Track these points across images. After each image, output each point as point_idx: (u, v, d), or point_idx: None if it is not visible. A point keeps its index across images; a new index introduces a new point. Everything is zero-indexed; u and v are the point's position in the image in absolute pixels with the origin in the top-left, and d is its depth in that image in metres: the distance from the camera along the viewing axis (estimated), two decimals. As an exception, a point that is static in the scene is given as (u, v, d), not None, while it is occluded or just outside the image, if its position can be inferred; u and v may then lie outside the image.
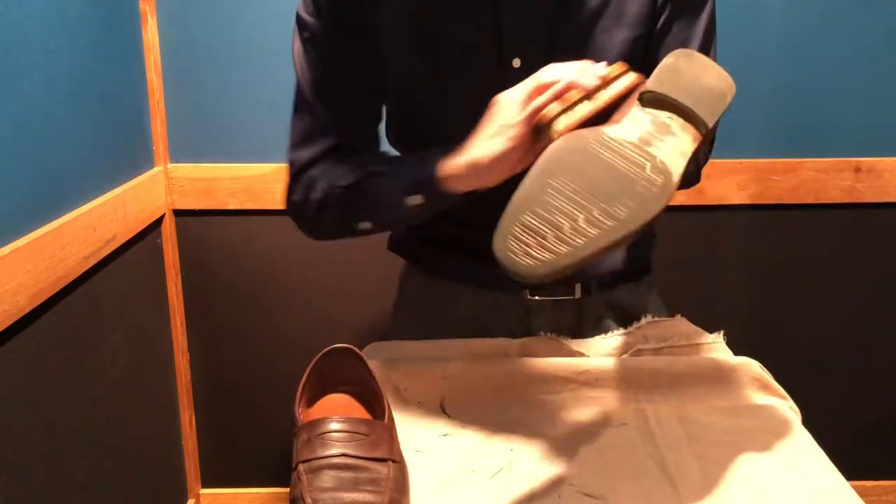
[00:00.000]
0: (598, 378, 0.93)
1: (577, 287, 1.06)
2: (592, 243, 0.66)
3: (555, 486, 0.76)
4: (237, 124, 1.69)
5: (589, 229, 0.66)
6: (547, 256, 0.66)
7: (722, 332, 1.06)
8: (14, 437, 1.12)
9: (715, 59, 1.00)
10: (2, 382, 1.10)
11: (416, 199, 0.88)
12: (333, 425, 0.72)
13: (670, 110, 0.75)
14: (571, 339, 1.04)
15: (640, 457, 0.80)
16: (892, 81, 1.69)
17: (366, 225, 0.95)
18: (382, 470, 0.71)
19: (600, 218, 0.67)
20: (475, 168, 0.82)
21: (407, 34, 0.94)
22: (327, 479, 0.69)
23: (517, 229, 0.67)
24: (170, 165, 1.70)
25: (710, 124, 0.74)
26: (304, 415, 0.79)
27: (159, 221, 1.69)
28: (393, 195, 0.90)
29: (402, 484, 0.72)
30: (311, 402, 0.82)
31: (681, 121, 0.74)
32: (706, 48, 1.00)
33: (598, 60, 0.94)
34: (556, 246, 0.66)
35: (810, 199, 1.74)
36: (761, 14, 1.65)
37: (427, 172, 0.86)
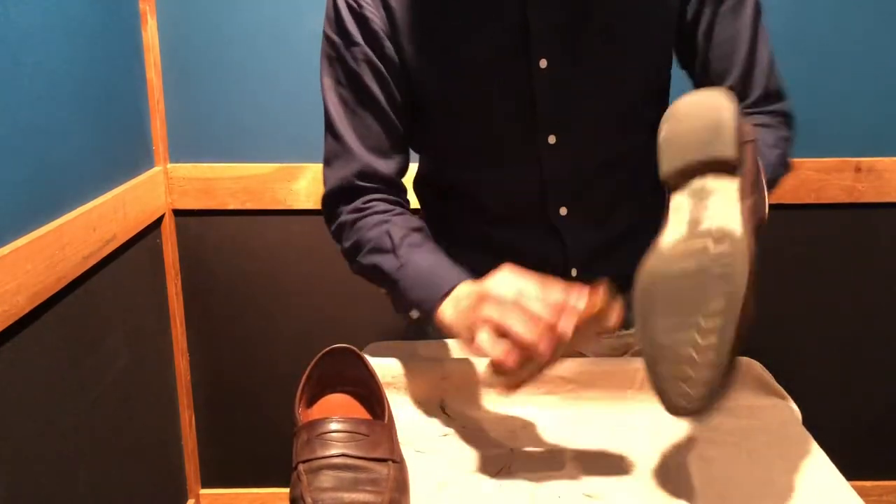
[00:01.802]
0: (598, 378, 0.93)
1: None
2: (721, 348, 0.66)
3: (555, 486, 0.76)
4: (237, 124, 1.69)
5: (709, 340, 0.66)
6: (701, 389, 0.66)
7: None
8: (14, 437, 1.12)
9: (767, 39, 0.98)
10: (2, 382, 1.10)
11: (416, 314, 0.90)
12: (333, 425, 0.72)
13: (693, 174, 0.71)
14: None
15: (641, 457, 0.80)
16: (892, 81, 1.68)
17: (384, 290, 0.97)
18: (382, 470, 0.71)
19: (709, 325, 0.66)
20: (451, 334, 0.83)
21: (432, 37, 0.94)
22: (327, 479, 0.69)
23: (668, 386, 0.67)
24: (169, 165, 1.70)
25: (731, 153, 0.69)
26: (304, 415, 0.79)
27: (159, 221, 1.69)
28: (400, 304, 0.92)
29: (403, 484, 0.72)
30: (311, 403, 0.82)
31: (709, 174, 0.70)
32: (756, 31, 0.97)
33: (625, 61, 0.95)
34: (700, 373, 0.66)
35: (810, 199, 1.74)
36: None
37: (430, 304, 0.85)
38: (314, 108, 1.68)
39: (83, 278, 1.32)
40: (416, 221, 0.96)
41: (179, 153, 1.70)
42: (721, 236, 0.67)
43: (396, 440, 0.76)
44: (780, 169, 0.96)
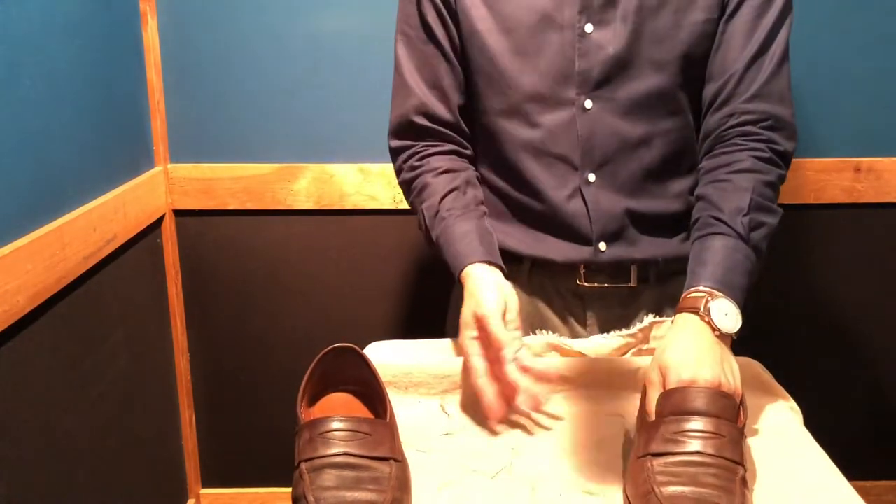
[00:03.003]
0: (598, 377, 0.93)
1: (633, 275, 1.06)
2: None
3: (556, 484, 0.76)
4: (237, 124, 1.69)
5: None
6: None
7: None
8: (14, 437, 1.12)
9: (787, 37, 0.97)
10: (2, 382, 1.10)
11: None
12: (336, 424, 0.72)
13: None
14: (586, 335, 1.07)
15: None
16: (892, 81, 1.69)
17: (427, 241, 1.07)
18: (384, 469, 0.71)
19: None
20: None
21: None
22: (329, 477, 0.69)
23: None
24: (170, 165, 1.70)
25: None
26: (306, 414, 0.79)
27: (159, 221, 1.69)
28: (439, 258, 1.03)
29: (404, 483, 0.72)
30: (313, 402, 0.82)
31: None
32: (778, 24, 0.97)
33: (669, 38, 0.98)
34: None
35: (810, 199, 1.74)
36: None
37: (458, 266, 0.98)
38: (315, 109, 1.69)
39: (84, 278, 1.32)
40: (455, 180, 1.04)
41: (180, 153, 1.70)
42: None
43: (398, 439, 0.76)
44: (764, 224, 0.97)
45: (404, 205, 1.71)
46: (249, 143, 1.70)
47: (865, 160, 1.71)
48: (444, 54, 1.04)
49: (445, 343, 1.05)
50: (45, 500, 1.20)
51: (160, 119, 1.67)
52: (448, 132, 1.07)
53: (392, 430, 0.75)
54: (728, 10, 0.97)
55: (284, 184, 1.71)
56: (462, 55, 1.04)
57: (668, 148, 1.02)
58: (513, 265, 1.06)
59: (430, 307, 1.79)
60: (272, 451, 1.87)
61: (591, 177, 1.02)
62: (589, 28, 0.97)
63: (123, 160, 1.52)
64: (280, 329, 1.81)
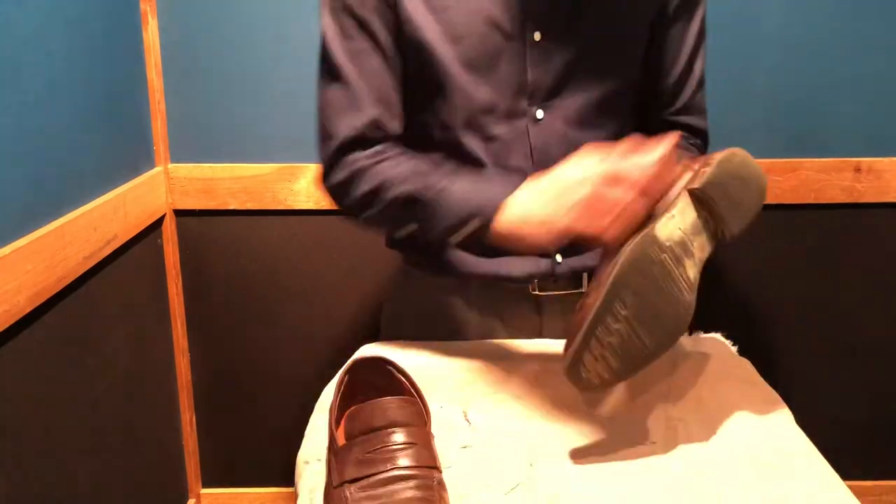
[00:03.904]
0: (624, 389, 0.91)
1: (584, 278, 1.06)
2: (638, 362, 0.76)
3: (573, 502, 0.74)
4: (238, 124, 1.69)
5: (637, 350, 0.76)
6: (607, 376, 0.76)
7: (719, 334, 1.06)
8: (14, 437, 1.12)
9: (704, 59, 1.05)
10: (2, 382, 1.10)
11: (473, 225, 0.89)
12: (397, 437, 0.71)
13: (711, 216, 0.80)
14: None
15: (654, 469, 0.78)
16: (892, 81, 1.68)
17: (410, 229, 0.96)
18: (436, 476, 0.70)
19: (645, 340, 0.76)
20: (519, 235, 0.86)
21: (427, 3, 0.95)
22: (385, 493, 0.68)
23: (587, 358, 0.76)
24: (170, 165, 1.70)
25: (738, 234, 0.81)
26: (339, 431, 0.78)
27: (160, 221, 1.69)
28: (449, 225, 0.90)
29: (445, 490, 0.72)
30: (340, 415, 0.80)
31: (713, 227, 0.80)
32: (698, 47, 1.04)
33: (614, 45, 0.98)
34: (614, 364, 0.76)
35: (810, 199, 1.74)
36: (761, 14, 1.65)
37: (493, 204, 0.87)
38: (315, 108, 1.68)
39: (84, 278, 1.32)
40: (438, 157, 0.96)
41: (180, 153, 1.70)
42: (692, 286, 0.78)
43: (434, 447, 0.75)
44: None
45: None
46: (250, 143, 1.70)
47: (865, 160, 1.71)
48: (391, 67, 0.98)
49: (443, 345, 1.04)
50: (45, 500, 1.20)
51: (160, 119, 1.67)
52: (399, 145, 1.01)
53: (431, 438, 0.75)
54: (662, 19, 1.00)
55: (285, 184, 1.71)
56: (411, 68, 0.99)
57: None
58: (460, 287, 1.06)
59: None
60: (272, 451, 1.87)
61: None
62: (537, 36, 0.95)
63: (124, 160, 1.52)
64: (280, 329, 1.81)
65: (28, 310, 1.13)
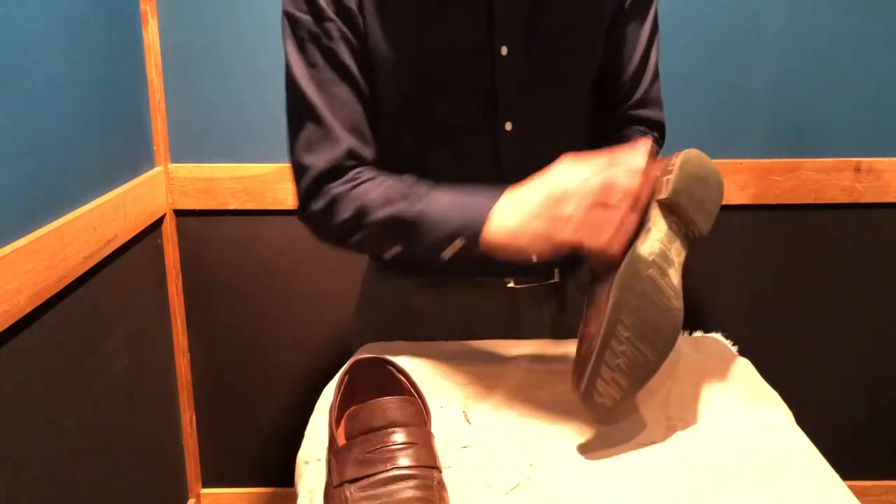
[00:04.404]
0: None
1: (556, 272, 1.08)
2: (644, 375, 0.80)
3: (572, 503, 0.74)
4: (238, 124, 1.69)
5: (642, 365, 0.79)
6: (619, 396, 0.79)
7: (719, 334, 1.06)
8: (14, 437, 1.12)
9: (658, 55, 1.08)
10: (2, 382, 1.10)
11: (456, 245, 0.88)
12: (397, 437, 0.71)
13: (680, 220, 0.82)
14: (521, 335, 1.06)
15: (656, 471, 0.78)
16: (892, 81, 1.69)
17: (395, 251, 0.94)
18: (436, 476, 0.70)
19: (648, 353, 0.79)
20: (510, 248, 0.85)
21: (400, 17, 0.94)
22: (384, 492, 0.68)
23: (600, 384, 0.78)
24: (170, 165, 1.70)
25: (706, 232, 0.83)
26: (339, 431, 0.78)
27: (160, 221, 1.69)
28: (433, 244, 0.89)
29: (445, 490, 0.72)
30: (341, 416, 0.81)
31: (684, 230, 0.83)
32: (652, 41, 1.07)
33: (576, 54, 1.00)
34: (624, 383, 0.79)
35: (810, 199, 1.74)
36: (761, 14, 1.65)
37: (476, 224, 0.86)
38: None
39: (84, 278, 1.32)
40: (413, 177, 0.94)
41: (180, 153, 1.71)
42: (678, 293, 0.80)
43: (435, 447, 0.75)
44: None
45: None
46: (250, 143, 1.70)
47: (865, 160, 1.71)
48: (361, 94, 0.95)
49: (443, 345, 1.04)
50: (45, 499, 1.20)
51: (160, 119, 1.67)
52: (373, 168, 0.97)
53: (432, 438, 0.75)
54: (619, 17, 1.02)
55: (285, 184, 1.71)
56: (379, 88, 0.96)
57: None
58: (435, 285, 1.06)
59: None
60: (272, 451, 1.87)
61: None
62: (504, 51, 0.95)
63: (124, 160, 1.52)
64: (280, 329, 1.81)
65: (28, 310, 1.13)
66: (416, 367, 0.94)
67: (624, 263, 0.79)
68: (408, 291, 1.09)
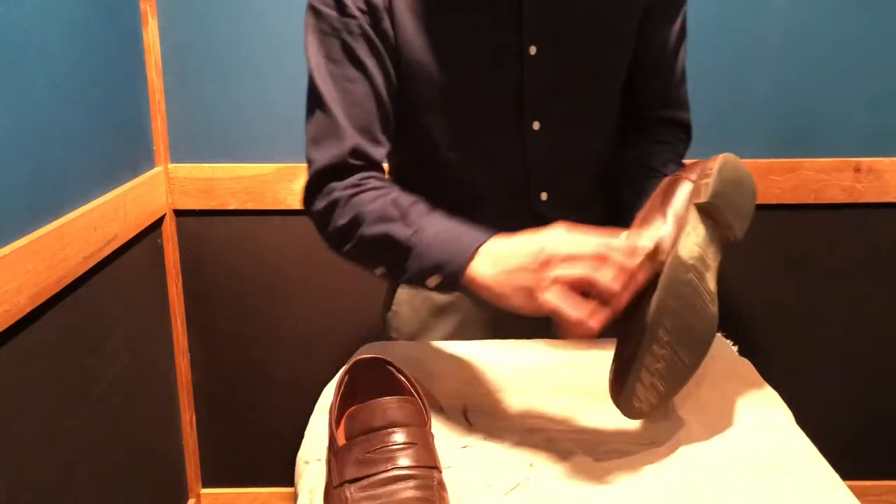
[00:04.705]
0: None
1: None
2: (681, 380, 0.80)
3: None
4: (238, 124, 1.69)
5: (679, 370, 0.79)
6: (655, 401, 0.79)
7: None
8: (14, 437, 1.12)
9: (685, 57, 1.07)
10: (2, 382, 1.10)
11: (435, 280, 0.85)
12: (397, 437, 0.71)
13: (717, 224, 0.82)
14: (550, 330, 1.04)
15: (659, 474, 0.78)
16: (892, 81, 1.69)
17: (379, 271, 0.93)
18: (436, 476, 0.70)
19: (685, 358, 0.79)
20: (489, 293, 0.80)
21: (428, 16, 0.94)
22: (385, 492, 0.68)
23: (639, 388, 0.78)
24: (170, 165, 1.70)
25: (740, 238, 0.84)
26: (339, 431, 0.78)
27: (160, 221, 1.69)
28: (415, 273, 0.87)
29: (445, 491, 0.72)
30: (340, 417, 0.81)
31: (720, 234, 0.83)
32: (681, 43, 1.06)
33: (604, 53, 0.98)
34: (662, 388, 0.79)
35: (810, 199, 1.74)
36: (761, 14, 1.65)
37: (457, 263, 0.82)
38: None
39: (84, 278, 1.32)
40: (416, 197, 0.92)
41: (180, 153, 1.70)
42: (714, 297, 0.80)
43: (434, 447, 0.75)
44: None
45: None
46: (250, 143, 1.70)
47: (865, 160, 1.71)
48: (377, 94, 0.93)
49: (442, 345, 1.04)
50: (45, 499, 1.20)
51: (160, 119, 1.67)
52: (378, 173, 0.96)
53: (431, 438, 0.75)
54: (649, 18, 1.01)
55: (285, 184, 1.71)
56: (404, 90, 0.96)
57: (605, 157, 1.06)
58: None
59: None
60: (272, 451, 1.87)
61: (544, 195, 1.02)
62: (533, 50, 0.95)
63: (124, 160, 1.52)
64: (280, 329, 1.81)
65: (28, 310, 1.13)
66: (416, 367, 0.94)
67: (667, 266, 0.78)
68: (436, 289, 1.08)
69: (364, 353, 1.00)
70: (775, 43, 1.67)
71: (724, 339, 1.06)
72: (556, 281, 0.73)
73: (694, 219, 0.81)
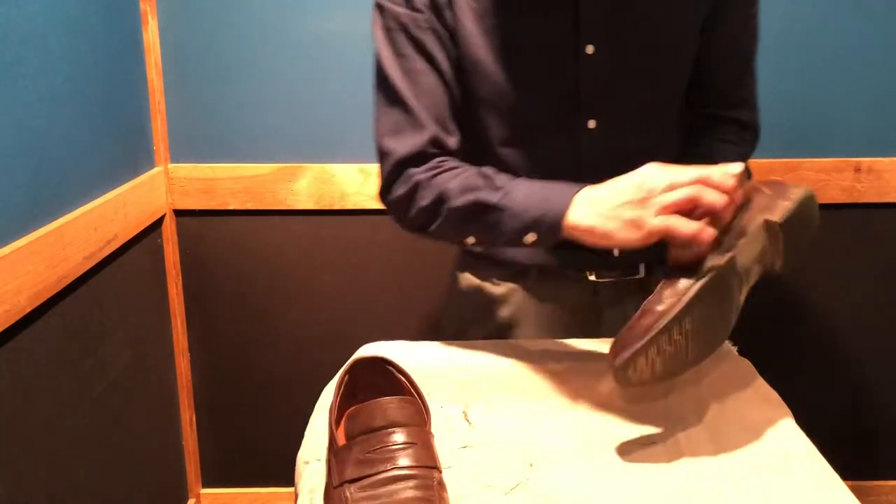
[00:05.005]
0: (624, 390, 0.91)
1: (642, 267, 1.08)
2: (676, 370, 0.79)
3: None
4: (238, 124, 1.69)
5: (681, 361, 0.78)
6: (648, 378, 0.77)
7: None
8: (14, 437, 1.12)
9: (755, 54, 1.05)
10: (2, 382, 1.10)
11: (531, 238, 0.89)
12: (397, 437, 0.71)
13: (771, 248, 0.82)
14: (601, 330, 1.06)
15: (656, 472, 0.78)
16: (892, 81, 1.69)
17: (471, 240, 0.96)
18: (435, 475, 0.70)
19: (692, 353, 0.78)
20: (593, 235, 0.84)
21: (486, 15, 0.96)
22: (385, 492, 0.68)
23: (640, 360, 0.76)
24: (170, 165, 1.70)
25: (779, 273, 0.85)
26: (339, 432, 0.78)
27: (160, 221, 1.69)
28: (510, 233, 0.91)
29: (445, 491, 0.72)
30: (340, 417, 0.81)
31: (768, 259, 0.83)
32: (754, 40, 1.05)
33: (663, 52, 0.98)
34: (660, 369, 0.77)
35: (810, 199, 1.74)
36: (761, 14, 1.65)
37: (553, 215, 0.86)
38: (315, 109, 1.69)
39: (84, 278, 1.32)
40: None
41: (180, 153, 1.70)
42: (738, 312, 0.83)
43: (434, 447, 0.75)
44: None
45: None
46: (250, 143, 1.70)
47: (865, 160, 1.71)
48: (447, 85, 0.98)
49: (443, 345, 1.04)
50: (45, 499, 1.20)
51: (160, 119, 1.67)
52: (455, 159, 1.01)
53: (431, 438, 0.75)
54: (716, 15, 1.00)
55: (285, 184, 1.71)
56: (462, 86, 0.99)
57: (668, 155, 1.03)
58: (518, 275, 1.07)
59: (430, 308, 1.79)
60: (272, 451, 1.87)
61: None
62: (590, 50, 0.96)
63: (124, 160, 1.52)
64: (280, 329, 1.81)
65: (28, 310, 1.13)
66: (416, 367, 0.94)
67: (723, 263, 0.78)
68: (490, 283, 1.10)
69: (364, 353, 1.00)
70: (775, 43, 1.67)
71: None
72: (662, 207, 0.78)
73: (757, 231, 0.80)
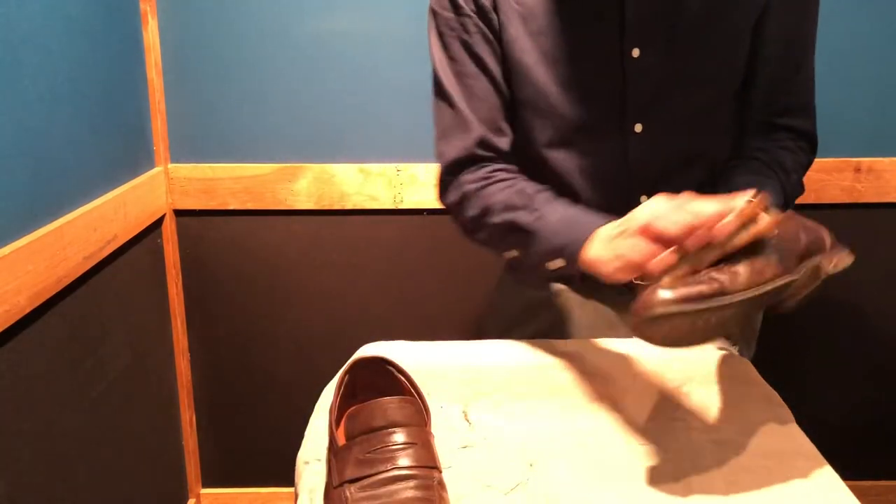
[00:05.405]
0: (625, 395, 0.91)
1: None
2: (692, 342, 0.74)
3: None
4: (238, 124, 1.69)
5: (701, 334, 0.74)
6: (672, 336, 0.72)
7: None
8: (14, 437, 1.12)
9: (812, 58, 1.03)
10: (2, 382, 1.10)
11: (557, 263, 0.91)
12: (397, 437, 0.71)
13: (796, 287, 0.84)
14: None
15: (656, 473, 0.78)
16: (892, 81, 1.68)
17: (512, 255, 0.99)
18: (435, 475, 0.70)
19: (713, 332, 0.74)
20: (593, 268, 0.85)
21: (532, 18, 0.96)
22: (385, 492, 0.68)
23: (680, 319, 0.71)
24: (170, 165, 1.70)
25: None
26: (339, 432, 0.78)
27: (160, 221, 1.69)
28: (539, 256, 0.93)
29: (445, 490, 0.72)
30: (340, 416, 0.81)
31: (782, 295, 0.82)
32: (810, 43, 1.02)
33: (712, 56, 0.96)
34: (683, 330, 0.72)
35: (810, 199, 1.74)
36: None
37: (575, 246, 0.87)
38: (315, 109, 1.69)
39: (84, 278, 1.32)
40: (541, 185, 0.98)
41: (180, 153, 1.70)
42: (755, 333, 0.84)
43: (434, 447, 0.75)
44: (798, 189, 1.04)
45: (404, 205, 1.72)
46: (250, 143, 1.70)
47: (865, 160, 1.71)
48: (497, 86, 0.99)
49: (443, 345, 1.04)
50: (45, 500, 1.20)
51: (160, 119, 1.67)
52: (507, 161, 1.02)
53: (431, 438, 0.75)
54: (767, 15, 0.98)
55: (285, 184, 1.71)
56: (508, 88, 1.01)
57: (715, 160, 1.04)
58: (564, 277, 1.08)
59: (430, 308, 1.79)
60: (272, 451, 1.87)
61: (644, 198, 1.01)
62: (636, 53, 0.95)
63: (124, 160, 1.52)
64: (280, 329, 1.81)
65: (28, 310, 1.13)
66: (416, 367, 0.94)
67: (800, 276, 0.80)
68: (533, 286, 1.11)
69: (364, 353, 1.00)
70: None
71: (723, 338, 1.06)
72: (637, 233, 0.77)
73: (813, 269, 0.82)
